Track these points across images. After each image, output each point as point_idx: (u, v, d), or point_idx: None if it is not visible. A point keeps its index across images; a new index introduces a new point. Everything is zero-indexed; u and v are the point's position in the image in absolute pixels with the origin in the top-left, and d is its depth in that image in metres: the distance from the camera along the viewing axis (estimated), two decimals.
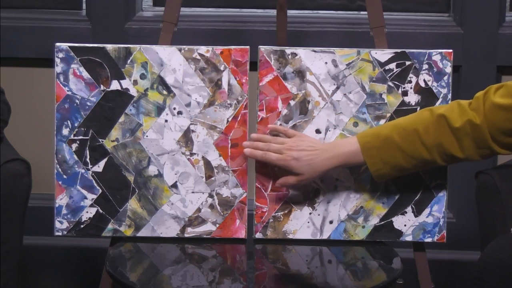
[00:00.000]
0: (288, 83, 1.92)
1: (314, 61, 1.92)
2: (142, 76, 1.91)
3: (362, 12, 2.62)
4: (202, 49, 1.91)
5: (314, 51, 1.92)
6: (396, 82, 1.93)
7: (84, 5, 2.66)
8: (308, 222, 1.95)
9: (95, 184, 1.92)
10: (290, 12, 2.33)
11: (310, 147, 1.84)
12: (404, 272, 1.85)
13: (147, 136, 1.92)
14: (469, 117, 1.76)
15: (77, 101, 1.91)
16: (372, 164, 1.82)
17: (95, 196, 1.92)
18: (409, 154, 1.80)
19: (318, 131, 1.93)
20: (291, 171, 1.85)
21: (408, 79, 1.93)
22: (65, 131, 1.92)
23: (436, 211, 1.95)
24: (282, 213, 1.95)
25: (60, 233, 1.94)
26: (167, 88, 1.91)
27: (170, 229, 1.94)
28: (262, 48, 1.92)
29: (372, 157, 1.81)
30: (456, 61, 2.15)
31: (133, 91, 1.91)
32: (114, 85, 1.91)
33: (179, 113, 1.92)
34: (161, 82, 1.91)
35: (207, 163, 1.93)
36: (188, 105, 1.92)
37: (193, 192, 1.93)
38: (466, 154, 1.78)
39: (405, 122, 1.82)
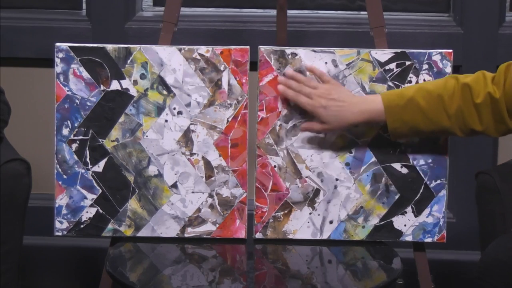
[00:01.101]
0: None
1: (314, 61, 1.92)
2: (142, 76, 1.91)
3: (362, 12, 2.62)
4: (202, 49, 1.91)
5: (314, 51, 1.92)
6: (396, 82, 1.93)
7: (84, 5, 2.66)
8: (308, 222, 1.95)
9: (95, 184, 1.92)
10: (290, 12, 2.33)
11: (340, 98, 1.84)
12: (404, 272, 1.85)
13: (147, 136, 1.92)
14: (489, 90, 1.77)
15: (77, 101, 1.91)
16: (392, 122, 1.82)
17: (95, 196, 1.92)
18: (430, 118, 1.80)
19: (318, 131, 1.92)
20: (317, 118, 1.86)
21: (408, 79, 1.93)
22: (65, 131, 1.92)
23: (436, 211, 1.95)
24: (282, 213, 1.95)
25: (60, 233, 1.94)
26: (167, 88, 1.91)
27: (170, 229, 1.94)
28: (262, 48, 1.92)
29: (393, 115, 1.81)
30: (456, 61, 2.15)
31: (133, 91, 1.91)
32: (114, 85, 1.91)
33: (179, 113, 1.92)
34: (161, 82, 1.91)
35: (207, 163, 1.93)
36: (188, 105, 1.92)
37: (193, 192, 1.93)
38: (484, 127, 1.79)
39: (431, 86, 1.82)
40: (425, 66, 1.92)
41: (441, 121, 1.80)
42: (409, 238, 1.96)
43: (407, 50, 1.93)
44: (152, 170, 1.92)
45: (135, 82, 1.91)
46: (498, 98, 1.76)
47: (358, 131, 1.93)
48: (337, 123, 1.85)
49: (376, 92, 1.92)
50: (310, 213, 1.95)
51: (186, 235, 1.94)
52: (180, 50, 1.91)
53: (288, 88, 1.88)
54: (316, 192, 1.94)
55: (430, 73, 1.92)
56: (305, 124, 1.89)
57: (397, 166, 1.94)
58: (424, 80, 1.92)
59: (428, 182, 1.94)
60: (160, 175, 1.92)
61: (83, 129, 1.91)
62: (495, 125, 1.78)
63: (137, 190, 1.93)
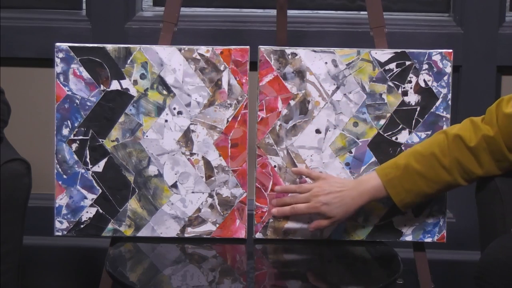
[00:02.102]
0: (288, 83, 1.92)
1: (314, 61, 1.92)
2: (142, 76, 1.91)
3: (362, 12, 2.62)
4: (202, 49, 1.91)
5: (314, 51, 1.92)
6: (396, 82, 1.93)
7: (84, 5, 2.66)
8: (308, 222, 1.94)
9: (95, 184, 1.92)
10: (290, 12, 2.33)
11: (337, 189, 1.84)
12: (404, 272, 1.85)
13: (147, 136, 1.92)
14: (483, 132, 1.77)
15: (77, 101, 1.91)
16: (395, 195, 1.82)
17: (95, 196, 1.92)
18: (430, 178, 1.80)
19: (318, 131, 1.93)
20: (322, 215, 1.85)
21: (408, 79, 1.93)
22: (65, 131, 1.92)
23: (436, 211, 1.95)
24: None
25: (60, 233, 1.94)
26: (167, 88, 1.91)
27: (170, 229, 1.94)
28: (262, 48, 1.92)
29: (395, 188, 1.82)
30: (456, 61, 2.15)
31: (133, 91, 1.91)
32: (114, 85, 1.91)
33: (179, 113, 1.91)
34: (161, 82, 1.91)
35: (207, 163, 1.93)
36: (188, 105, 1.92)
37: (193, 192, 1.93)
38: (485, 169, 1.79)
39: (421, 147, 1.82)
40: (425, 66, 1.92)
41: (442, 178, 1.80)
42: (409, 238, 1.96)
43: (407, 50, 1.93)
44: (152, 170, 1.92)
45: (135, 82, 1.91)
46: (493, 136, 1.76)
47: (358, 131, 1.93)
48: (342, 213, 1.84)
49: (376, 92, 1.92)
50: (310, 213, 1.94)
51: (186, 235, 1.94)
52: (180, 50, 1.91)
53: (282, 208, 1.88)
54: None
55: (430, 73, 1.92)
56: (313, 224, 1.87)
57: None
58: (424, 80, 1.92)
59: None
60: (160, 175, 1.92)
61: (83, 129, 1.91)
62: (496, 164, 1.79)
63: (137, 190, 1.93)
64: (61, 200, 1.93)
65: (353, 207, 1.84)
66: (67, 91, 1.91)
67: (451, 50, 1.93)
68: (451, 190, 1.86)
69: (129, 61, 1.91)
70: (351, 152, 1.94)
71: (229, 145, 1.93)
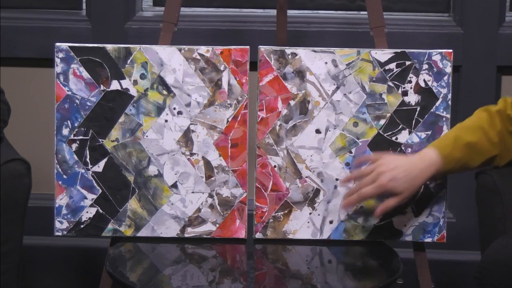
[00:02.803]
0: (288, 83, 1.92)
1: (314, 61, 1.92)
2: (142, 76, 1.91)
3: (362, 12, 2.62)
4: (202, 49, 1.91)
5: (314, 51, 1.92)
6: (396, 82, 1.93)
7: (84, 5, 2.66)
8: (308, 222, 1.95)
9: (95, 184, 1.92)
10: (290, 12, 2.33)
11: (401, 163, 1.80)
12: (404, 272, 1.85)
13: (147, 136, 1.92)
14: (508, 112, 1.82)
15: (77, 101, 1.91)
16: (446, 163, 1.81)
17: (95, 196, 1.92)
18: (479, 150, 1.83)
19: (318, 131, 1.93)
20: (389, 193, 1.81)
21: (408, 79, 1.93)
22: (65, 131, 1.92)
23: (436, 211, 1.95)
24: (282, 213, 1.95)
25: (60, 233, 1.94)
26: (167, 88, 1.91)
27: (170, 229, 1.94)
28: (262, 48, 1.92)
29: (447, 157, 1.81)
30: (456, 61, 2.15)
31: (133, 91, 1.91)
32: (114, 85, 1.91)
33: (179, 113, 1.92)
34: (161, 82, 1.91)
35: (207, 163, 1.93)
36: (188, 105, 1.92)
37: (193, 192, 1.93)
38: None
39: (468, 122, 1.85)
40: (425, 66, 1.92)
41: (489, 151, 1.83)
42: (409, 238, 1.96)
43: (407, 50, 1.93)
44: (152, 170, 1.92)
45: (135, 82, 1.91)
46: None
47: (358, 131, 1.93)
48: (410, 187, 1.80)
49: (376, 92, 1.92)
50: (310, 213, 1.95)
51: (186, 235, 1.94)
52: (180, 50, 1.91)
53: (347, 198, 1.83)
54: (316, 192, 1.94)
55: (430, 73, 1.92)
56: (380, 206, 1.82)
57: None
58: (424, 80, 1.92)
59: (428, 182, 1.94)
60: (160, 175, 1.92)
61: (83, 129, 1.91)
62: None
63: (137, 190, 1.93)
64: (61, 200, 1.93)
65: (420, 180, 1.80)
66: (67, 91, 1.91)
67: (451, 50, 1.93)
68: (490, 166, 1.87)
69: (129, 61, 1.91)
70: (351, 152, 1.94)
71: (229, 145, 1.93)
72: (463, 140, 1.82)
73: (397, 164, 1.80)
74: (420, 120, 1.94)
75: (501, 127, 1.83)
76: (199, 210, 1.93)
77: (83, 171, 1.92)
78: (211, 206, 1.94)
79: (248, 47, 1.92)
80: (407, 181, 1.79)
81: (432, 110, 1.93)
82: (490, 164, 1.87)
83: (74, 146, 1.92)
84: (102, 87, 1.91)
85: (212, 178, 1.93)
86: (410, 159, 1.82)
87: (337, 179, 1.94)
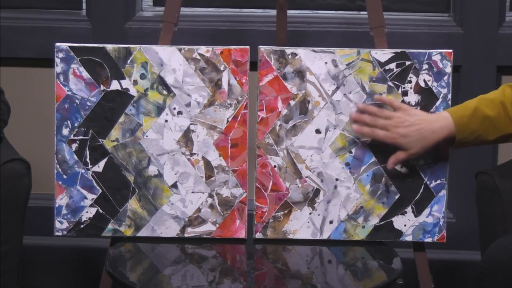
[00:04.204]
0: (288, 83, 1.92)
1: (314, 61, 1.92)
2: (142, 76, 1.91)
3: (362, 12, 2.62)
4: (202, 49, 1.91)
5: (314, 51, 1.92)
6: (396, 82, 1.93)
7: (84, 5, 2.66)
8: (308, 222, 1.95)
9: (95, 184, 1.92)
10: (290, 12, 2.33)
11: (416, 122, 1.84)
12: (404, 272, 1.85)
13: (147, 136, 1.92)
14: None
15: (77, 101, 1.91)
16: (460, 132, 1.83)
17: (95, 196, 1.92)
18: (495, 125, 1.83)
19: (318, 131, 1.93)
20: (400, 147, 1.86)
21: (408, 79, 1.93)
22: (65, 131, 1.92)
23: (436, 211, 1.95)
24: (282, 213, 1.95)
25: (60, 233, 1.94)
26: (167, 88, 1.91)
27: (170, 229, 1.94)
28: (262, 48, 1.92)
29: (462, 126, 1.83)
30: (456, 61, 2.15)
31: (133, 91, 1.91)
32: (114, 85, 1.91)
33: (179, 113, 1.92)
34: (161, 82, 1.91)
35: (207, 163, 1.93)
36: (188, 105, 1.92)
37: (193, 192, 1.93)
38: None
39: (491, 96, 1.85)
40: (425, 66, 1.92)
41: (506, 127, 1.83)
42: (409, 238, 1.96)
43: (407, 50, 1.93)
44: (152, 170, 1.92)
45: (135, 82, 1.91)
46: None
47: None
48: (421, 146, 1.85)
49: (376, 92, 1.92)
50: (310, 213, 1.95)
51: (186, 235, 1.94)
52: (180, 50, 1.91)
53: (363, 125, 1.88)
54: (316, 192, 1.94)
55: (430, 73, 1.92)
56: (391, 159, 1.87)
57: (397, 166, 1.94)
58: (424, 80, 1.92)
59: (428, 182, 1.94)
60: (160, 175, 1.92)
61: (83, 129, 1.91)
62: None
63: (137, 190, 1.93)
64: (61, 200, 1.93)
65: (431, 141, 1.84)
66: (67, 91, 1.91)
67: (451, 50, 1.93)
68: (502, 143, 1.88)
69: (129, 61, 1.91)
70: (351, 152, 1.94)
71: (229, 145, 1.93)
72: (482, 112, 1.82)
73: (412, 121, 1.84)
74: None
75: None
76: (199, 210, 1.94)
77: (83, 171, 1.92)
78: (211, 206, 1.94)
79: (248, 47, 1.92)
80: (418, 139, 1.84)
81: (432, 110, 1.93)
82: (506, 141, 1.86)
83: (74, 146, 1.92)
84: (102, 87, 1.91)
85: (212, 178, 1.93)
86: (426, 119, 1.85)
87: (337, 179, 1.94)
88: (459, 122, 1.83)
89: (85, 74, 1.91)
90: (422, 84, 1.93)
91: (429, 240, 1.96)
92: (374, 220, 1.95)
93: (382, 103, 1.90)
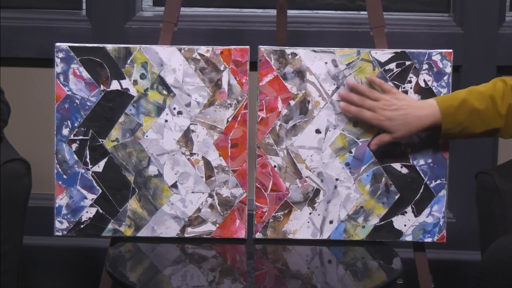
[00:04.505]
0: (288, 83, 1.92)
1: (314, 61, 1.92)
2: (142, 76, 1.91)
3: (362, 12, 2.62)
4: (202, 49, 1.91)
5: (314, 51, 1.92)
6: (396, 82, 1.93)
7: (84, 5, 2.66)
8: (308, 222, 1.95)
9: (95, 184, 1.92)
10: (290, 12, 2.33)
11: (403, 106, 1.85)
12: (404, 272, 1.85)
13: (147, 136, 1.92)
14: None
15: (77, 101, 1.91)
16: (446, 123, 1.83)
17: (95, 196, 1.92)
18: (483, 118, 1.83)
19: (318, 131, 1.93)
20: (385, 129, 1.87)
21: (408, 79, 1.93)
22: (65, 131, 1.92)
23: (436, 211, 1.95)
24: (282, 213, 1.95)
25: (60, 233, 1.94)
26: (167, 88, 1.91)
27: (170, 229, 1.94)
28: (262, 48, 1.92)
29: (448, 116, 1.83)
30: (456, 61, 2.15)
31: (133, 91, 1.91)
32: (114, 85, 1.91)
33: (179, 113, 1.92)
34: (161, 82, 1.91)
35: (207, 163, 1.93)
36: (188, 105, 1.92)
37: (193, 192, 1.93)
38: None
39: (481, 88, 1.85)
40: (425, 66, 1.92)
41: (494, 121, 1.83)
42: (409, 238, 1.96)
43: (407, 50, 1.93)
44: (152, 170, 1.92)
45: (135, 82, 1.91)
46: None
47: (358, 131, 1.93)
48: (404, 131, 1.86)
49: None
50: (310, 213, 1.95)
51: (186, 235, 1.94)
52: (180, 50, 1.91)
53: (350, 104, 1.89)
54: (316, 192, 1.94)
55: (430, 73, 1.92)
56: (375, 140, 1.90)
57: (397, 166, 1.94)
58: (424, 80, 1.92)
59: (428, 182, 1.94)
60: (160, 175, 1.92)
61: (83, 129, 1.91)
62: None
63: (137, 190, 1.93)
64: (61, 200, 1.93)
65: (415, 127, 1.85)
66: (67, 91, 1.91)
67: (451, 50, 1.93)
68: (490, 137, 1.89)
69: (129, 61, 1.91)
70: (351, 152, 1.94)
71: (229, 145, 1.93)
72: (470, 105, 1.83)
73: (399, 105, 1.85)
74: None
75: None
76: (199, 210, 1.93)
77: (83, 171, 1.92)
78: (211, 206, 1.94)
79: (248, 47, 1.92)
80: (403, 124, 1.85)
81: None
82: (493, 135, 1.86)
83: (74, 146, 1.92)
84: (102, 87, 1.91)
85: (212, 178, 1.93)
86: (413, 105, 1.86)
87: (337, 179, 1.94)
88: (445, 112, 1.83)
89: (85, 74, 1.91)
90: (422, 84, 1.93)
91: (429, 240, 1.96)
92: (374, 220, 1.95)
93: (373, 84, 1.90)
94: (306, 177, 1.94)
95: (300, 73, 1.92)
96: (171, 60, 1.91)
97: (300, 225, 1.95)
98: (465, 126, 1.83)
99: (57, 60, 1.90)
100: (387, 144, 1.90)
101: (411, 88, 1.93)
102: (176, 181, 1.93)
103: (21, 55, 2.63)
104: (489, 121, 1.83)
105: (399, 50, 1.93)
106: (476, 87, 1.86)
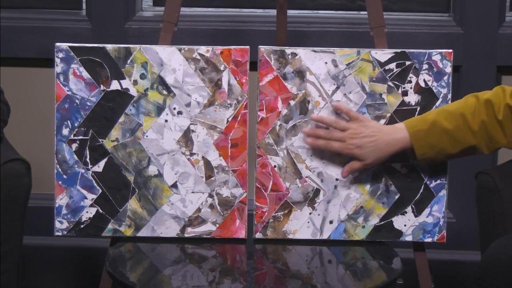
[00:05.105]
0: (288, 83, 1.92)
1: (314, 61, 1.92)
2: (142, 76, 1.91)
3: (362, 12, 2.62)
4: (202, 49, 1.91)
5: (314, 51, 1.92)
6: (396, 82, 1.93)
7: (84, 5, 2.66)
8: (308, 222, 1.95)
9: (95, 184, 1.92)
10: (290, 12, 2.33)
11: (372, 133, 1.86)
12: (404, 272, 1.85)
13: (147, 136, 1.92)
14: (507, 101, 1.79)
15: (77, 101, 1.91)
16: (419, 148, 1.83)
17: (95, 196, 1.92)
18: (455, 138, 1.82)
19: (360, 169, 1.93)
20: (356, 158, 1.87)
21: (408, 79, 1.93)
22: (65, 131, 1.92)
23: (436, 211, 1.95)
24: (282, 213, 1.95)
25: (60, 233, 1.94)
26: (167, 88, 1.91)
27: (170, 229, 1.94)
28: (262, 48, 1.92)
29: (419, 140, 1.83)
30: (456, 61, 2.15)
31: (133, 91, 1.91)
32: (114, 85, 1.91)
33: (179, 113, 1.92)
34: (161, 82, 1.91)
35: (207, 163, 1.93)
36: (188, 105, 1.92)
37: (193, 192, 1.93)
38: (508, 139, 1.81)
39: (451, 107, 1.84)
40: (425, 66, 1.92)
41: (467, 139, 1.82)
42: (409, 238, 1.96)
43: (407, 50, 1.93)
44: (152, 170, 1.92)
45: (135, 82, 1.91)
46: None
47: None
48: (375, 157, 1.86)
49: (376, 92, 1.92)
50: (310, 213, 1.95)
51: (186, 235, 1.94)
52: (180, 50, 1.91)
53: (317, 138, 1.89)
54: (316, 192, 1.94)
55: (430, 73, 1.92)
56: (346, 168, 1.90)
57: (397, 166, 1.94)
58: (424, 80, 1.92)
59: (428, 182, 1.94)
60: (160, 175, 1.93)
61: (83, 129, 1.91)
62: None
63: (137, 190, 1.93)
64: (61, 200, 1.93)
65: (386, 153, 1.86)
66: (67, 91, 1.91)
67: (451, 50, 1.93)
68: (471, 155, 1.86)
69: (129, 61, 1.91)
70: None
71: (229, 145, 1.93)
72: (439, 126, 1.82)
73: (368, 133, 1.86)
74: None
75: (485, 116, 1.81)
76: (199, 210, 1.94)
77: (83, 171, 1.92)
78: (211, 206, 1.94)
79: (248, 47, 1.92)
80: (373, 151, 1.85)
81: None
82: (473, 153, 1.86)
83: (74, 146, 1.92)
84: (102, 87, 1.91)
85: (212, 178, 1.93)
86: (381, 130, 1.86)
87: (337, 179, 1.94)
88: (415, 137, 1.83)
89: (85, 74, 1.91)
90: (422, 84, 1.93)
91: (429, 240, 1.96)
92: (374, 220, 1.95)
93: (339, 112, 1.90)
94: (306, 177, 1.94)
95: (300, 73, 1.92)
96: (171, 60, 1.91)
97: (300, 225, 1.95)
98: (439, 148, 1.83)
99: (57, 60, 1.90)
100: (358, 170, 1.90)
101: (411, 88, 1.93)
102: (176, 181, 1.93)
103: (21, 55, 2.63)
104: (462, 140, 1.82)
105: (399, 50, 1.93)
106: (447, 105, 1.86)
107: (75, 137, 1.92)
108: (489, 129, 1.81)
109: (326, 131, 1.89)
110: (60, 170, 1.92)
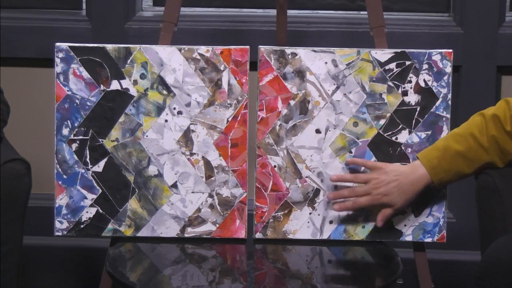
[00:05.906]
0: (288, 83, 1.92)
1: (314, 61, 1.92)
2: (142, 76, 1.91)
3: (362, 12, 2.62)
4: (202, 49, 1.91)
5: (314, 51, 1.92)
6: (396, 82, 1.93)
7: (84, 5, 2.66)
8: (308, 222, 1.95)
9: (95, 184, 1.92)
10: (290, 12, 2.33)
11: (394, 177, 1.86)
12: (404, 272, 1.85)
13: (147, 136, 1.92)
14: None
15: (77, 101, 1.91)
16: (435, 175, 1.84)
17: (95, 196, 1.93)
18: (469, 158, 1.83)
19: (318, 131, 1.93)
20: (385, 206, 1.88)
21: (408, 79, 1.93)
22: (65, 131, 1.92)
23: (436, 211, 1.95)
24: (282, 213, 1.95)
25: (60, 233, 1.94)
26: (167, 88, 1.91)
27: (170, 229, 1.94)
28: (262, 48, 1.92)
29: (435, 168, 1.84)
30: (456, 61, 2.15)
31: (133, 91, 1.91)
32: (114, 85, 1.91)
33: (179, 113, 1.92)
34: (161, 82, 1.91)
35: (207, 163, 1.93)
36: (188, 105, 1.92)
37: (193, 192, 1.93)
38: None
39: (460, 129, 1.86)
40: (425, 66, 1.92)
41: (480, 157, 1.83)
42: (409, 238, 1.96)
43: (407, 50, 1.93)
44: (152, 170, 1.92)
45: (135, 82, 1.91)
46: None
47: (358, 131, 1.93)
48: (403, 200, 1.87)
49: (376, 92, 1.92)
50: (310, 213, 1.95)
51: (186, 235, 1.94)
52: (180, 50, 1.91)
53: (343, 202, 1.89)
54: (316, 192, 1.94)
55: (430, 73, 1.92)
56: (379, 217, 1.89)
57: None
58: (424, 80, 1.92)
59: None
60: (160, 175, 1.92)
61: (83, 129, 1.91)
62: None
63: (137, 190, 1.93)
64: (61, 200, 1.93)
65: (412, 193, 1.86)
66: (67, 91, 1.91)
67: (451, 50, 1.93)
68: (486, 170, 1.87)
69: (129, 61, 1.91)
70: (351, 152, 1.94)
71: (229, 145, 1.93)
72: (451, 150, 1.83)
73: (390, 179, 1.86)
74: (420, 120, 1.94)
75: (494, 131, 1.82)
76: (199, 210, 1.93)
77: (83, 171, 1.92)
78: (211, 206, 1.94)
79: (248, 47, 1.92)
80: (400, 195, 1.86)
81: (432, 110, 1.93)
82: (489, 168, 1.87)
83: (74, 146, 1.92)
84: (102, 87, 1.91)
85: (212, 178, 1.93)
86: (402, 172, 1.86)
87: None
88: (430, 166, 1.84)
89: (85, 74, 1.91)
90: (422, 84, 1.93)
91: (429, 240, 1.96)
92: (374, 220, 1.95)
93: (355, 165, 1.91)
94: (306, 177, 1.94)
95: (300, 73, 1.92)
96: (171, 60, 1.91)
97: (300, 225, 1.95)
98: (455, 171, 1.84)
99: (57, 60, 1.90)
100: (392, 216, 1.91)
101: (411, 88, 1.93)
102: (176, 181, 1.93)
103: (21, 55, 2.63)
104: (476, 159, 1.83)
105: (399, 50, 1.93)
106: (456, 129, 1.87)
107: (75, 137, 1.92)
108: (500, 142, 1.82)
109: (350, 189, 1.89)
110: (60, 170, 1.92)
